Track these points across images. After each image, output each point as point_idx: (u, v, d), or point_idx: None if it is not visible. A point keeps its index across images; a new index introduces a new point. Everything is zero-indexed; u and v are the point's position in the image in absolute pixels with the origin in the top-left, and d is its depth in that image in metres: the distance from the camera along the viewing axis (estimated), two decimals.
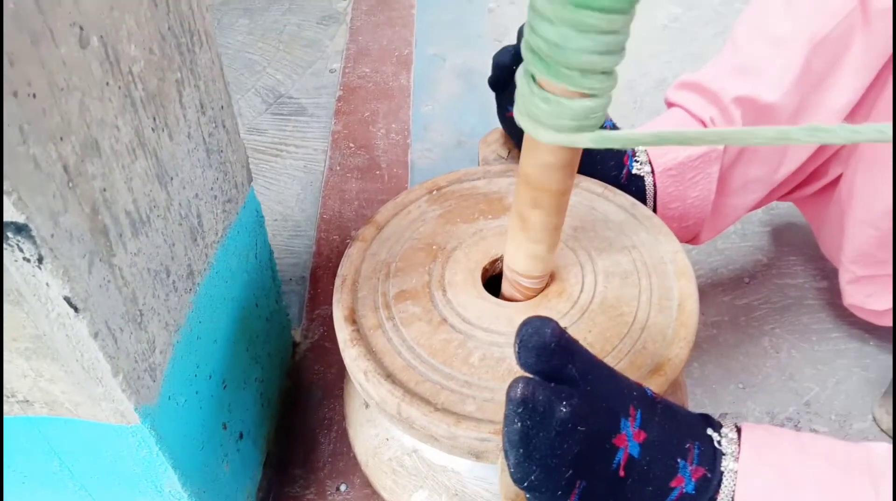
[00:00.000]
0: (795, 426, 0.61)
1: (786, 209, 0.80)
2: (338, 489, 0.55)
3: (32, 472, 0.39)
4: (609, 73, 0.30)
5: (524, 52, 0.31)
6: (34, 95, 0.24)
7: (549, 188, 0.35)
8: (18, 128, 0.23)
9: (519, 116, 0.32)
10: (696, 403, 0.62)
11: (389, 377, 0.37)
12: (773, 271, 0.74)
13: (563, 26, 0.28)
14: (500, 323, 0.39)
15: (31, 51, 0.24)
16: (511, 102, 0.53)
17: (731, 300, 0.71)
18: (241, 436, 0.48)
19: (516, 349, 0.30)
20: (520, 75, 0.32)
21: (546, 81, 0.30)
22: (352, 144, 0.87)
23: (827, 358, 0.66)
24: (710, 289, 0.72)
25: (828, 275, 0.73)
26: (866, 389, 0.63)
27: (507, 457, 0.30)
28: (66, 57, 0.26)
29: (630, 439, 0.31)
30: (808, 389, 0.64)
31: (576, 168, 0.35)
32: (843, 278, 0.61)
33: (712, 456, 0.32)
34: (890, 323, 0.61)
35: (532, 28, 0.29)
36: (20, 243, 0.25)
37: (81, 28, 0.27)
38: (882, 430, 0.60)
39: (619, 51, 0.29)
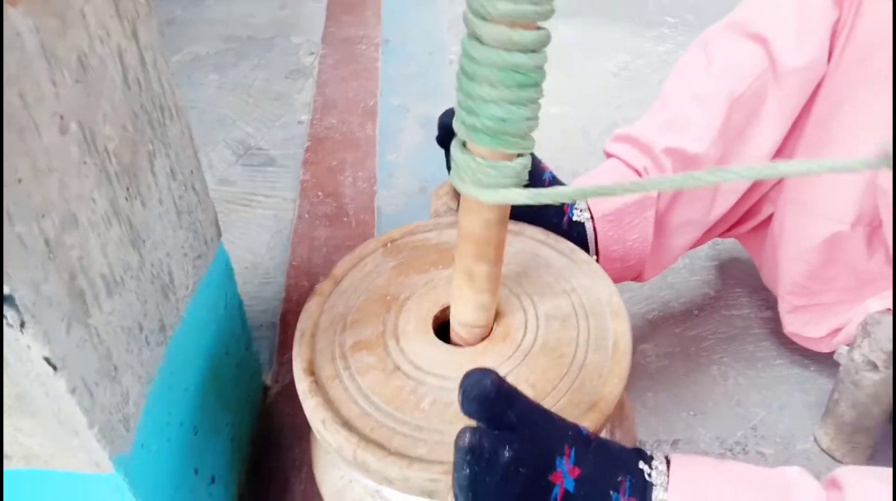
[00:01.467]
0: (743, 449, 0.65)
1: (731, 245, 0.85)
2: None
3: None
4: (523, 137, 0.34)
5: (456, 126, 0.35)
6: (20, 181, 0.28)
7: (489, 241, 0.39)
8: (6, 211, 0.27)
9: (455, 180, 0.36)
10: (649, 430, 0.66)
11: (346, 424, 0.39)
12: (720, 303, 0.79)
13: (482, 101, 0.33)
14: (450, 369, 0.42)
15: (19, 143, 0.27)
16: None
17: (682, 332, 0.75)
18: (212, 480, 0.50)
19: (460, 400, 0.33)
20: (454, 146, 0.36)
21: (474, 147, 0.35)
22: (320, 193, 0.91)
23: (771, 384, 0.70)
24: (662, 321, 0.77)
25: (771, 306, 0.77)
26: (807, 412, 0.67)
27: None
28: (48, 144, 0.29)
29: (565, 475, 0.34)
30: (755, 414, 0.67)
31: (506, 225, 0.39)
32: (782, 308, 0.66)
33: (643, 488, 0.35)
34: (826, 350, 0.65)
35: (461, 104, 0.34)
36: (4, 311, 0.28)
37: (62, 117, 0.30)
38: (822, 450, 0.64)
39: (526, 119, 0.33)
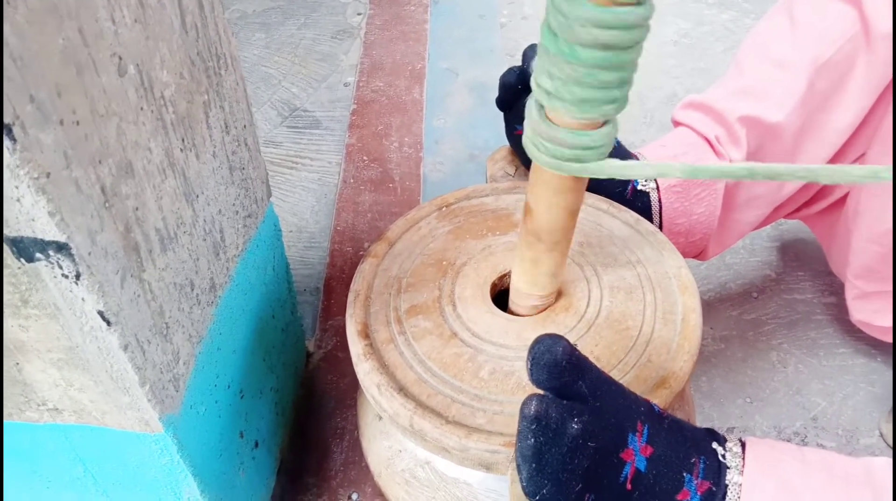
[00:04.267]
0: (802, 440, 0.62)
1: (794, 225, 0.80)
2: (350, 497, 0.56)
3: (58, 477, 0.40)
4: (616, 104, 0.31)
5: (535, 90, 0.32)
6: (77, 122, 0.26)
7: (563, 212, 0.36)
8: (63, 153, 0.25)
9: (531, 149, 0.33)
10: (704, 416, 0.63)
11: (402, 390, 0.38)
12: (781, 286, 0.75)
13: (564, 63, 0.29)
14: (509, 338, 0.41)
15: (77, 81, 0.26)
16: (517, 120, 0.54)
17: (740, 315, 0.72)
18: (256, 444, 0.50)
19: (528, 367, 0.31)
20: (530, 112, 0.33)
21: (555, 115, 0.31)
22: (365, 157, 0.89)
23: (834, 373, 0.66)
24: (719, 303, 0.73)
25: (835, 291, 0.73)
26: (873, 404, 0.64)
27: (519, 471, 0.31)
28: (106, 85, 0.28)
29: (637, 453, 0.32)
30: (816, 404, 0.64)
31: (582, 193, 0.36)
32: (850, 295, 0.62)
33: (717, 470, 0.33)
34: None
35: (543, 66, 0.31)
36: (60, 261, 0.27)
37: (120, 58, 0.29)
38: (889, 445, 0.60)
39: (617, 85, 0.30)
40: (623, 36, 0.28)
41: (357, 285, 0.44)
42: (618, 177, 0.31)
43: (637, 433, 0.32)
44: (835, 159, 0.57)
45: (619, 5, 0.27)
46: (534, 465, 0.30)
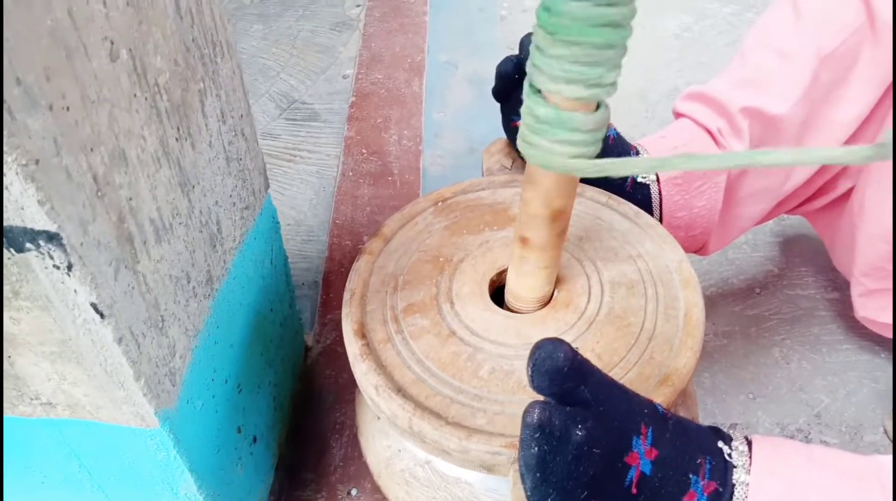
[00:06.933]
0: (806, 437, 0.61)
1: (797, 220, 0.80)
2: (349, 493, 0.55)
3: (52, 473, 0.40)
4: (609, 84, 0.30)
5: (530, 72, 0.32)
6: (67, 108, 0.25)
7: (556, 207, 0.35)
8: (53, 140, 0.24)
9: (521, 144, 0.33)
10: (706, 413, 0.63)
11: (400, 391, 0.37)
12: (783, 281, 0.74)
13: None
14: (509, 336, 0.40)
15: (66, 65, 0.25)
16: (514, 111, 0.53)
17: (742, 311, 0.71)
18: (254, 440, 0.49)
19: (529, 373, 0.30)
20: (527, 97, 0.33)
21: (549, 95, 0.31)
22: (364, 150, 0.88)
23: (838, 370, 0.66)
24: (721, 299, 0.73)
25: (839, 286, 0.73)
26: (877, 401, 0.63)
27: (523, 481, 0.31)
28: (97, 70, 0.27)
29: (642, 457, 0.31)
30: (819, 400, 0.64)
31: (574, 184, 0.35)
32: (855, 291, 0.61)
33: (724, 470, 0.32)
34: None
35: (537, 45, 0.31)
36: (51, 251, 0.26)
37: (112, 42, 0.28)
38: (892, 442, 0.60)
39: (613, 66, 0.30)
40: (613, 11, 0.28)
41: (353, 283, 0.43)
42: (611, 175, 0.31)
43: (641, 437, 0.31)
44: None
45: None
46: (538, 474, 0.30)
